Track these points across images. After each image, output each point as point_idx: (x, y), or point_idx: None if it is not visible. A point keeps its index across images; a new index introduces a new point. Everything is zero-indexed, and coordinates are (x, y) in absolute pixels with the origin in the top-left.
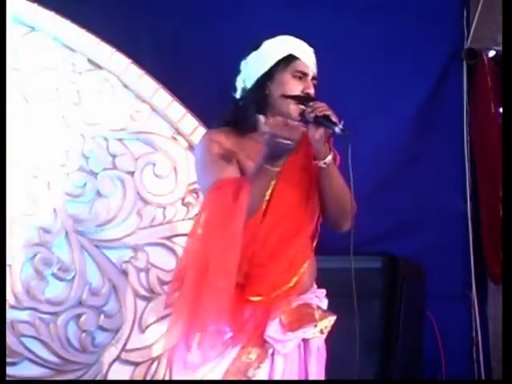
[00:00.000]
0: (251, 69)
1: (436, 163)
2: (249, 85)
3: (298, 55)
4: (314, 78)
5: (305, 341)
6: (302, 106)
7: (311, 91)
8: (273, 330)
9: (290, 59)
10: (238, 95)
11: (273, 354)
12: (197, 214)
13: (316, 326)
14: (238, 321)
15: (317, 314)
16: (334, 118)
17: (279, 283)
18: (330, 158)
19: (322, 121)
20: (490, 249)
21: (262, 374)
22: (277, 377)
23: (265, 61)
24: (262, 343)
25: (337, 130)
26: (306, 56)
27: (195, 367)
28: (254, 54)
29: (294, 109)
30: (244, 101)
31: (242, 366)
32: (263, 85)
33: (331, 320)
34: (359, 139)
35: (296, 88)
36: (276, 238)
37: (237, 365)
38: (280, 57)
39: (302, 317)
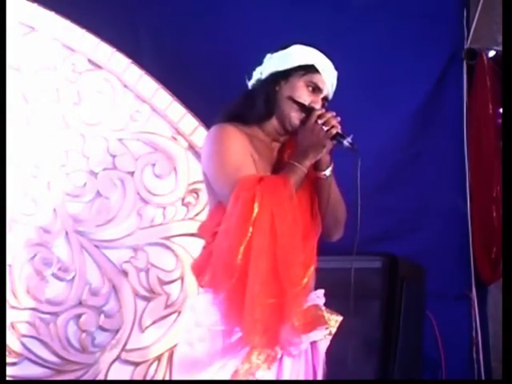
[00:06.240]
0: (272, 63)
1: (436, 163)
2: (264, 77)
3: (319, 69)
4: (325, 99)
5: (312, 343)
6: (304, 115)
7: (317, 107)
8: (287, 332)
9: (310, 69)
10: (250, 84)
11: (282, 356)
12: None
13: (327, 327)
14: (249, 322)
15: (326, 315)
16: (341, 132)
17: (291, 285)
18: (330, 169)
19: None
20: (479, 249)
21: (269, 376)
22: (284, 379)
23: (287, 60)
24: (272, 345)
25: (345, 143)
26: (327, 74)
27: (202, 367)
28: (280, 52)
29: (295, 116)
30: (254, 90)
31: (252, 367)
32: (276, 80)
33: (338, 320)
34: (359, 139)
35: (305, 97)
36: None
37: (246, 366)
38: (302, 63)
39: (314, 319)
